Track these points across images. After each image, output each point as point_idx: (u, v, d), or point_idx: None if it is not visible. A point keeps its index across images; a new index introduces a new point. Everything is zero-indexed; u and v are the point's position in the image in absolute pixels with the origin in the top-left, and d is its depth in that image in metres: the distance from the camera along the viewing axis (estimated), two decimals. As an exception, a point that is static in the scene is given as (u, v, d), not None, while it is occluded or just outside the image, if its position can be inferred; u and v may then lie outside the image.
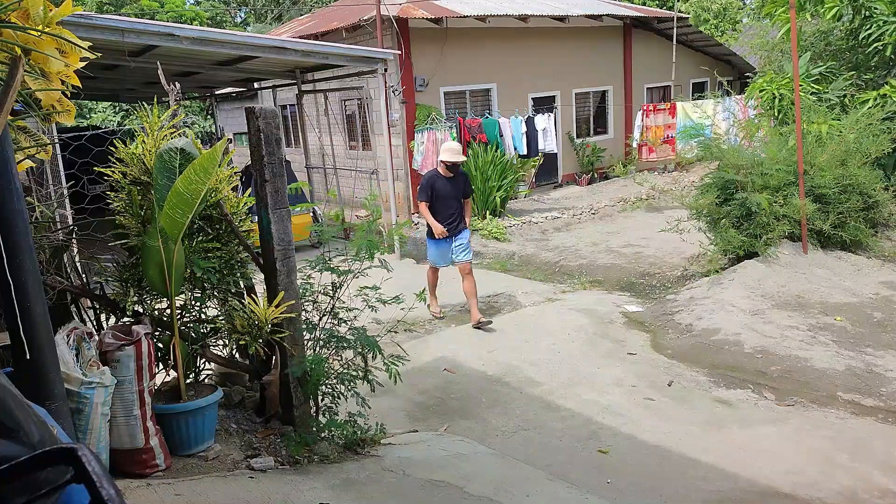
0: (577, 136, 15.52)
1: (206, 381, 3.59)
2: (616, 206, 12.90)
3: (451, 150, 6.59)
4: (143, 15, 23.88)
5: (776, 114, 9.03)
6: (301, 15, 25.45)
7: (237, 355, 3.82)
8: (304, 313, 3.67)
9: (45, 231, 3.25)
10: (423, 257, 10.22)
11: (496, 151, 11.96)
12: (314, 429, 3.54)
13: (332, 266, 3.73)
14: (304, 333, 3.60)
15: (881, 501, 3.44)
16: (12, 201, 1.88)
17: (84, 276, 3.45)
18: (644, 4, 22.40)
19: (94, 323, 3.44)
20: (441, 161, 6.64)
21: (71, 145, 4.89)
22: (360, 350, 3.63)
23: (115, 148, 3.19)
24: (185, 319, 3.50)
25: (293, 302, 3.41)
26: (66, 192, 6.00)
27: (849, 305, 6.19)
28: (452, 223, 6.63)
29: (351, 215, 12.13)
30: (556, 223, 11.97)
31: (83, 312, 3.39)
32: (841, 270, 7.03)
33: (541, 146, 12.88)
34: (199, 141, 3.30)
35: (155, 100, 3.40)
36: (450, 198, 6.61)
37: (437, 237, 6.58)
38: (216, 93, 15.78)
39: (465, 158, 6.36)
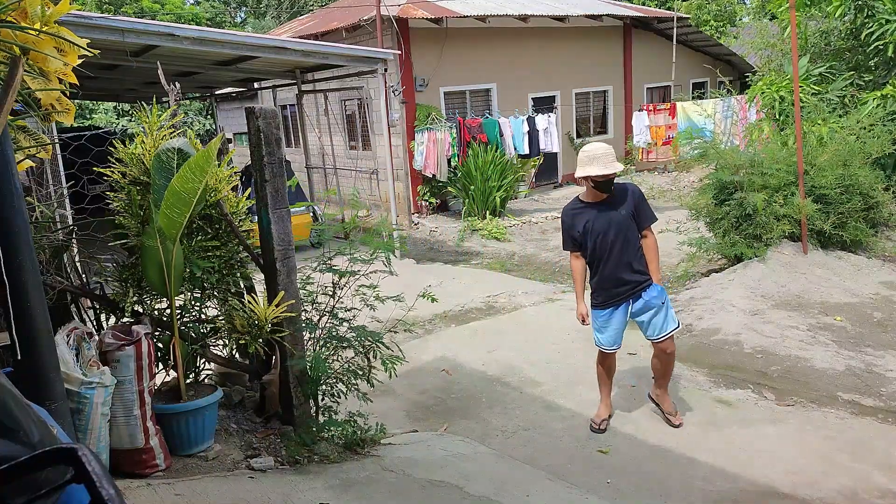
0: (577, 136, 15.52)
1: (206, 381, 3.59)
2: (616, 206, 12.88)
3: (597, 159, 3.89)
4: (143, 15, 23.86)
5: (777, 116, 9.02)
6: (301, 15, 25.45)
7: (237, 355, 3.82)
8: (303, 313, 3.67)
9: (45, 231, 3.25)
10: (424, 257, 10.22)
11: (496, 151, 11.96)
12: (314, 429, 3.53)
13: (333, 267, 3.73)
14: (304, 333, 3.60)
15: (881, 501, 3.44)
16: (12, 201, 1.88)
17: (84, 276, 3.45)
18: (644, 4, 22.40)
19: (94, 323, 3.44)
20: (585, 178, 3.98)
21: (71, 145, 4.88)
22: (360, 349, 3.63)
23: (115, 148, 3.19)
24: (184, 319, 3.50)
25: (293, 302, 3.41)
26: (66, 192, 6.01)
27: (849, 305, 6.19)
28: (624, 278, 4.04)
29: (350, 215, 12.12)
30: (556, 223, 11.95)
31: (83, 312, 3.39)
32: (841, 270, 7.02)
33: (541, 146, 12.89)
34: (198, 141, 3.30)
35: (154, 99, 3.40)
36: (611, 233, 4.00)
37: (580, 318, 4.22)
38: (216, 93, 15.79)
39: (620, 167, 3.93)
